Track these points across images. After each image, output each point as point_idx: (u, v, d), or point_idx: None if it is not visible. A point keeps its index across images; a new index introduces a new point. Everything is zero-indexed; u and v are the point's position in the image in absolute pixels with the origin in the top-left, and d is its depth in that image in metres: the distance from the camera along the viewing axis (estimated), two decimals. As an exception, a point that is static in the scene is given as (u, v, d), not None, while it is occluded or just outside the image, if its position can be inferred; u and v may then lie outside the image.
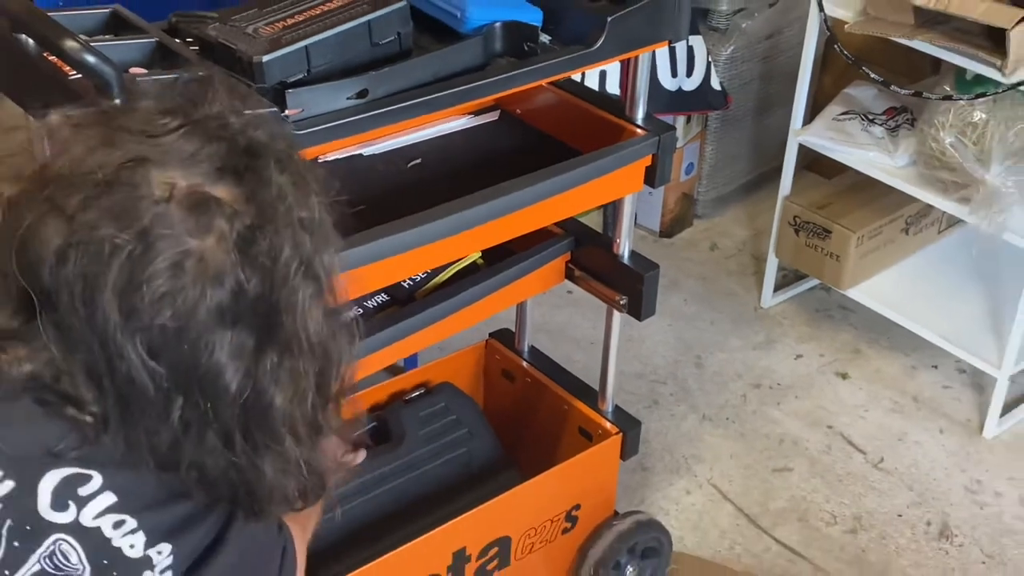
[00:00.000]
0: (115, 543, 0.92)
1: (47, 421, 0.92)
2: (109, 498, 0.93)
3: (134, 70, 1.39)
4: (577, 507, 1.90)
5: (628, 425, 1.92)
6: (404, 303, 1.70)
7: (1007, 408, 2.43)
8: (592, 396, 1.96)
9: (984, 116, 2.24)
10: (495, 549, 1.81)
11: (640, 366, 2.55)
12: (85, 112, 0.96)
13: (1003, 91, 2.16)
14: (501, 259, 1.75)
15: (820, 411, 2.46)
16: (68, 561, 0.91)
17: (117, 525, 0.92)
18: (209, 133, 0.91)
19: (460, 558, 1.77)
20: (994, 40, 2.08)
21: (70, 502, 0.91)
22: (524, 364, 2.07)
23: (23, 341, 0.90)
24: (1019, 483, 2.31)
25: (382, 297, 1.71)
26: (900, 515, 2.23)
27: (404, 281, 1.71)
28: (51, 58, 1.31)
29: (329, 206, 0.98)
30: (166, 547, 0.94)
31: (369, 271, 1.46)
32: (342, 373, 1.01)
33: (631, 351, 2.57)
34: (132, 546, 0.92)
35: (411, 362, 2.33)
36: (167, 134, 0.90)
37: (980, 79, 2.20)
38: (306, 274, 0.92)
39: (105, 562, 0.92)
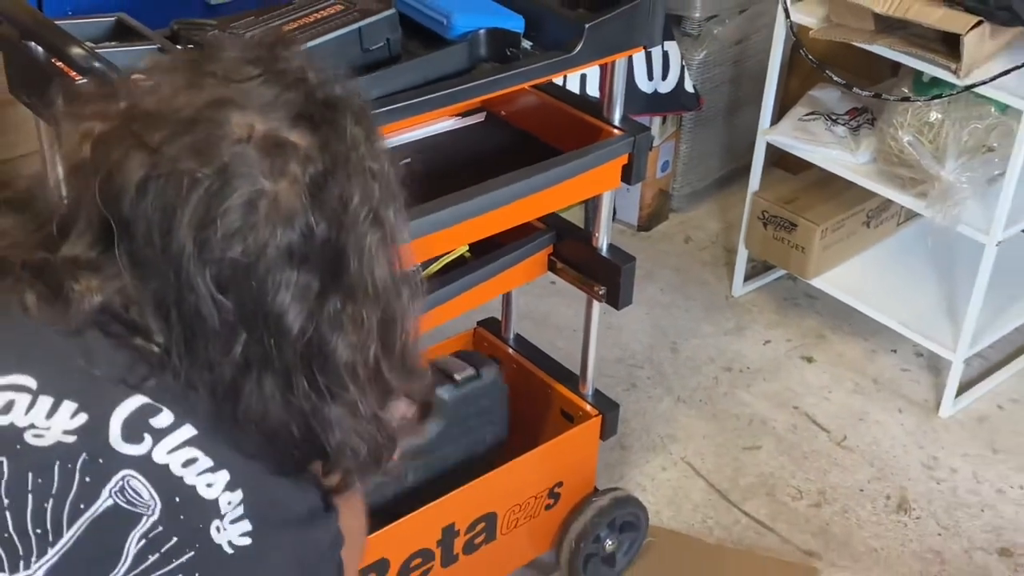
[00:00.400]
0: (188, 481, 0.89)
1: (115, 351, 0.89)
2: (187, 431, 0.90)
3: (135, 76, 1.37)
4: (559, 484, 1.90)
5: (607, 407, 1.92)
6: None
7: (962, 389, 2.43)
8: (573, 380, 1.95)
9: (940, 116, 2.23)
10: (482, 524, 1.81)
11: (619, 351, 2.54)
12: (174, 57, 0.98)
13: (957, 93, 2.15)
14: (487, 252, 1.73)
15: (787, 393, 2.45)
16: (140, 496, 0.88)
17: (189, 463, 0.89)
18: (288, 82, 0.90)
19: (449, 533, 1.76)
20: (949, 45, 2.07)
21: (145, 434, 0.89)
22: (510, 351, 2.06)
23: (97, 271, 0.88)
24: (973, 459, 2.31)
25: (375, 288, 1.69)
26: (861, 490, 2.23)
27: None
28: (59, 64, 1.30)
29: (396, 164, 0.97)
30: (237, 495, 0.90)
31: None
32: (406, 328, 0.97)
33: (610, 338, 2.56)
34: (209, 485, 0.89)
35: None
36: (249, 80, 0.89)
37: (936, 81, 2.19)
38: (374, 223, 0.90)
39: (177, 499, 0.88)
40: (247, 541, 0.89)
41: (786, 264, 2.60)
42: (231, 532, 0.89)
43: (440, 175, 1.62)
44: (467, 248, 1.75)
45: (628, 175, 1.68)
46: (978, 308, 2.28)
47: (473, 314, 2.05)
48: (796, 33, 2.33)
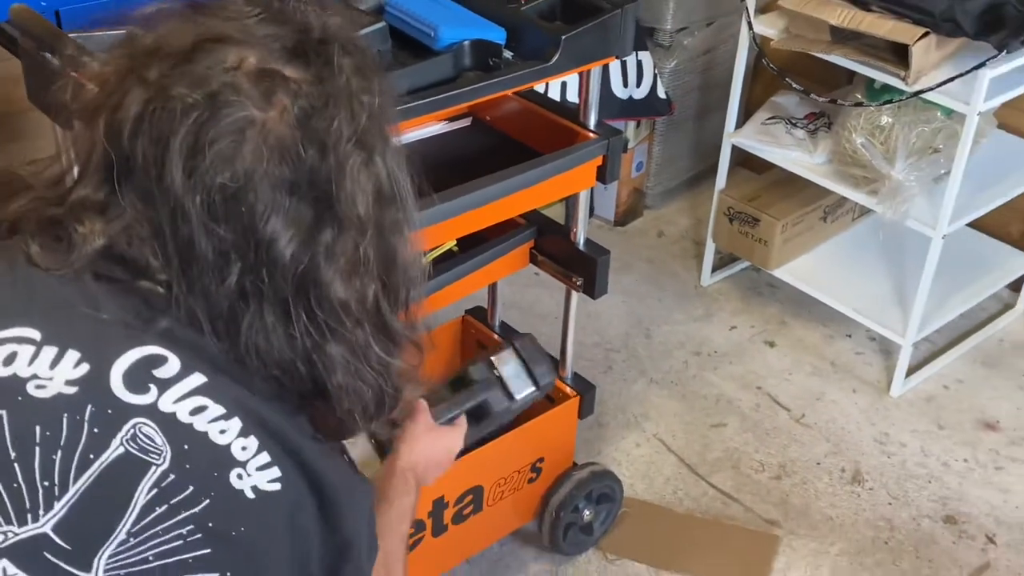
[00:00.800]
0: (198, 428, 0.83)
1: (121, 296, 0.85)
2: (196, 379, 0.84)
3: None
4: (541, 460, 1.90)
5: (585, 389, 1.92)
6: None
7: (911, 371, 2.43)
8: (553, 363, 1.95)
9: (890, 120, 2.24)
10: (470, 497, 1.81)
11: (597, 337, 2.55)
12: (175, 2, 0.93)
13: (906, 98, 2.15)
14: (474, 246, 1.73)
15: (751, 375, 2.46)
16: (152, 442, 0.82)
17: (198, 411, 0.83)
18: (285, 20, 0.87)
19: (439, 505, 1.76)
20: (899, 55, 2.07)
21: (150, 384, 0.83)
22: (496, 337, 2.06)
23: (102, 213, 0.85)
24: (920, 435, 2.32)
25: (370, 280, 1.69)
26: (819, 463, 2.24)
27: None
28: (73, 74, 1.29)
29: (392, 96, 0.91)
30: (252, 442, 0.84)
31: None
32: (408, 272, 0.92)
33: (589, 324, 2.56)
34: (223, 432, 0.83)
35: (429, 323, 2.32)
36: (246, 18, 0.87)
37: (887, 88, 2.19)
38: (365, 156, 0.85)
39: (186, 447, 0.82)
40: (276, 487, 0.84)
41: (750, 256, 2.61)
42: (257, 478, 0.83)
43: (430, 176, 1.62)
44: (455, 243, 1.75)
45: (603, 175, 1.69)
46: (925, 296, 2.29)
47: (462, 303, 2.06)
48: (759, 44, 2.33)
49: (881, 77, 2.13)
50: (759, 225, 2.53)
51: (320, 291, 0.85)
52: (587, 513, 1.97)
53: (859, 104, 2.25)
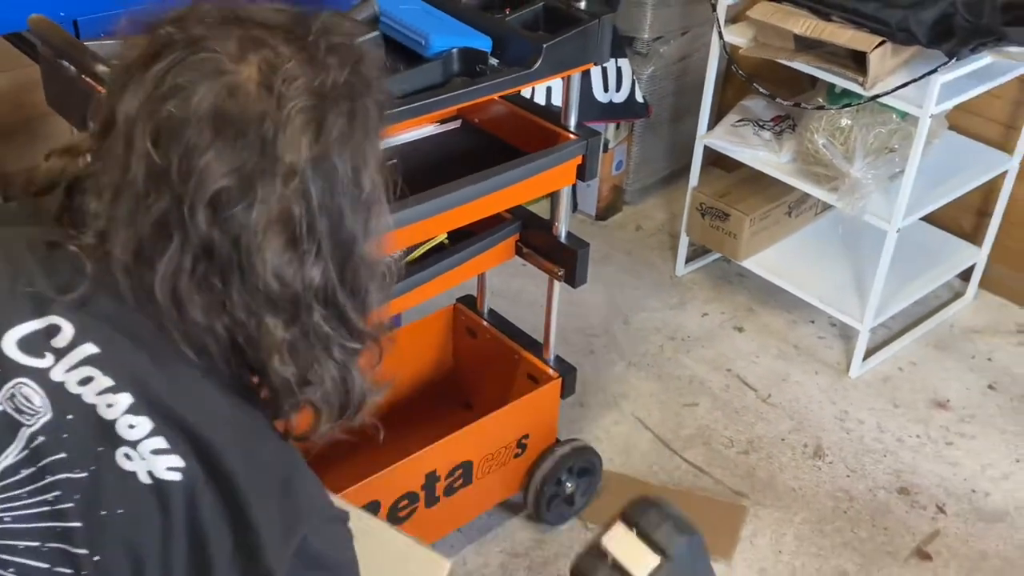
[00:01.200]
0: (87, 400, 0.77)
1: (53, 265, 0.81)
2: (88, 349, 0.78)
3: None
4: (526, 436, 1.90)
5: (566, 371, 1.92)
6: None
7: (868, 354, 2.44)
8: (538, 348, 1.95)
9: (849, 122, 2.24)
10: (460, 471, 1.80)
11: (579, 323, 2.54)
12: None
13: (864, 102, 2.15)
14: (463, 239, 1.73)
15: (721, 357, 2.46)
16: (30, 403, 0.77)
17: (85, 381, 0.77)
18: (295, 15, 0.84)
19: (431, 478, 1.76)
20: (857, 61, 2.07)
21: (46, 352, 0.78)
22: (484, 323, 2.05)
23: (74, 153, 0.85)
24: (877, 413, 2.32)
25: (367, 271, 1.69)
26: (783, 439, 2.24)
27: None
28: (87, 79, 1.28)
29: (382, 97, 0.85)
30: (146, 423, 0.76)
31: (355, 250, 1.44)
32: (372, 268, 0.84)
33: (572, 312, 2.56)
34: (110, 405, 0.77)
35: (395, 321, 2.31)
36: (265, 9, 0.84)
37: (846, 92, 2.19)
38: (315, 118, 0.78)
39: (69, 416, 0.77)
40: (176, 476, 0.76)
41: (720, 248, 2.61)
42: (153, 463, 0.76)
43: (422, 174, 1.61)
44: (445, 236, 1.74)
45: (582, 173, 1.68)
46: (882, 285, 2.29)
47: (453, 292, 2.05)
48: (729, 52, 2.32)
49: (841, 82, 2.13)
50: (729, 219, 2.52)
51: (251, 244, 0.77)
52: (569, 485, 1.97)
53: (821, 107, 2.25)
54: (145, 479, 0.76)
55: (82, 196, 0.82)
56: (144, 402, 0.77)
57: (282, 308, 0.79)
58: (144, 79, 0.78)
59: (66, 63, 1.31)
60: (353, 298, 0.83)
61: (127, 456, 0.76)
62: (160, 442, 0.76)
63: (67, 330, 0.79)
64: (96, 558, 0.75)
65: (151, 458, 0.76)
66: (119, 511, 0.75)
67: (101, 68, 1.19)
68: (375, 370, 0.88)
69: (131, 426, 0.76)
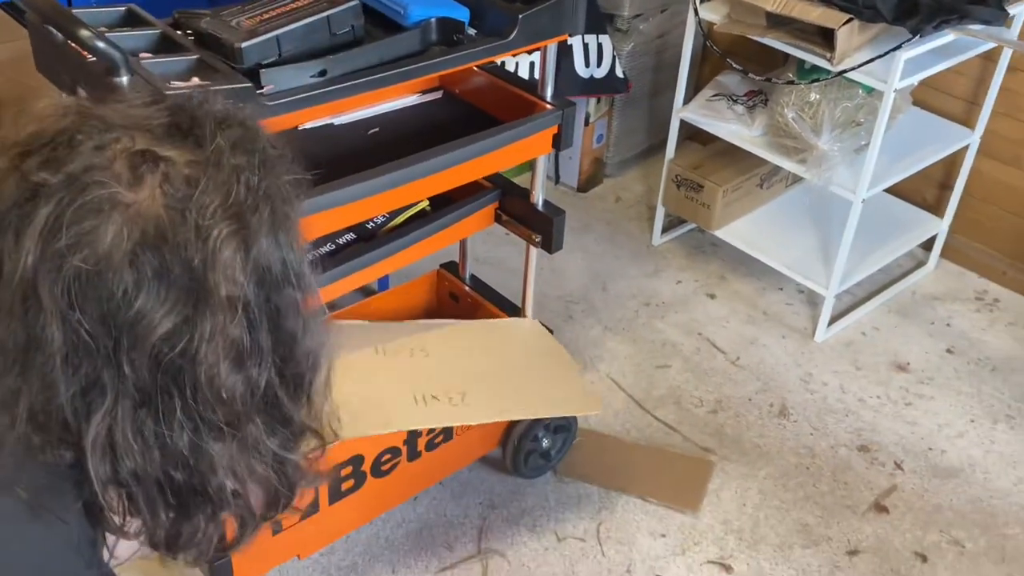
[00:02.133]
0: None
1: None
2: None
3: (143, 55, 1.33)
4: (505, 395, 1.89)
5: (543, 333, 1.91)
6: (369, 240, 1.66)
7: (833, 319, 2.43)
8: (517, 312, 1.94)
9: (817, 97, 2.21)
10: (440, 428, 1.80)
11: (559, 290, 2.53)
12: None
13: (831, 77, 2.12)
14: (444, 206, 1.71)
15: (693, 322, 2.45)
16: None
17: None
18: (164, 101, 0.73)
19: (414, 434, 1.75)
20: (825, 38, 2.04)
21: None
22: (466, 288, 2.04)
23: None
24: (840, 375, 2.32)
25: (351, 235, 1.67)
26: (750, 399, 2.24)
27: (368, 222, 1.67)
28: (72, 45, 1.25)
29: (284, 171, 0.74)
30: None
31: (340, 212, 1.43)
32: (311, 358, 0.75)
33: (553, 279, 2.55)
34: None
35: (383, 285, 2.30)
36: (128, 103, 0.72)
37: (815, 68, 2.16)
38: (245, 237, 0.68)
39: None
40: None
41: (695, 218, 2.59)
42: None
43: (404, 141, 1.60)
44: (427, 203, 1.72)
45: (558, 143, 1.66)
46: (847, 253, 2.28)
47: (437, 258, 2.03)
48: (704, 29, 2.29)
49: (810, 58, 2.10)
50: (703, 191, 2.50)
51: (198, 382, 0.68)
52: (545, 442, 1.97)
53: (791, 82, 2.22)
54: None
55: None
56: None
57: (225, 429, 0.71)
58: (27, 233, 0.65)
59: (53, 30, 1.28)
60: (295, 395, 0.75)
61: None
62: None
63: None
64: None
65: None
66: None
67: (83, 33, 1.16)
68: (316, 461, 0.80)
69: None
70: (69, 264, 0.65)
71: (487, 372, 1.78)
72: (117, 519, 0.74)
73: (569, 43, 2.55)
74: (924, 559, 1.89)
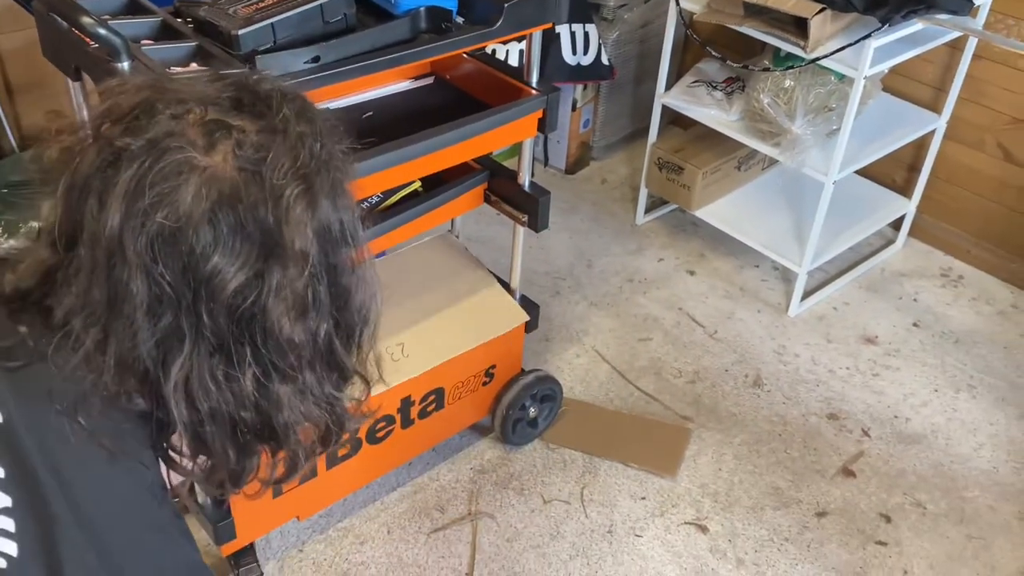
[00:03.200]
0: None
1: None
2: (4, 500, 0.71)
3: (144, 42, 1.32)
4: (493, 367, 1.89)
5: (530, 308, 1.90)
6: (362, 219, 1.65)
7: (806, 294, 2.44)
8: (505, 287, 1.93)
9: (792, 83, 2.20)
10: (433, 396, 1.80)
11: (547, 267, 2.53)
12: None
13: (805, 64, 2.11)
14: (435, 187, 1.70)
15: (674, 297, 2.45)
16: None
17: None
18: (229, 80, 0.76)
19: (407, 403, 1.76)
20: (800, 27, 2.03)
21: None
22: (457, 265, 2.03)
23: (35, 256, 0.73)
24: (812, 347, 2.32)
25: (346, 215, 1.66)
26: (727, 370, 2.24)
27: (362, 202, 1.66)
28: (76, 32, 1.24)
29: (338, 140, 0.77)
30: (4, 499, 0.71)
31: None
32: (363, 311, 0.78)
33: (541, 256, 2.54)
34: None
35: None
36: (197, 83, 0.76)
37: (790, 56, 2.15)
38: (310, 199, 0.72)
39: None
40: (1, 563, 0.71)
41: (676, 199, 2.58)
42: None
43: (396, 125, 1.59)
44: (419, 184, 1.71)
45: (543, 126, 1.65)
46: (819, 232, 2.28)
47: (428, 236, 2.02)
48: (685, 18, 2.28)
49: (785, 46, 2.09)
50: (683, 173, 2.50)
51: (267, 330, 0.72)
52: (532, 410, 1.97)
53: (767, 69, 2.21)
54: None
55: (48, 309, 0.72)
56: (13, 482, 0.71)
57: (289, 373, 0.75)
58: (112, 191, 0.68)
59: (57, 17, 1.26)
60: (347, 344, 0.79)
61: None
62: (8, 524, 0.71)
63: None
64: None
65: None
66: None
67: (85, 20, 1.14)
68: (362, 402, 0.84)
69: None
70: (152, 221, 0.68)
71: (417, 314, 1.75)
72: (185, 460, 0.78)
73: (557, 31, 2.53)
74: (888, 520, 1.91)
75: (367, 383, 0.83)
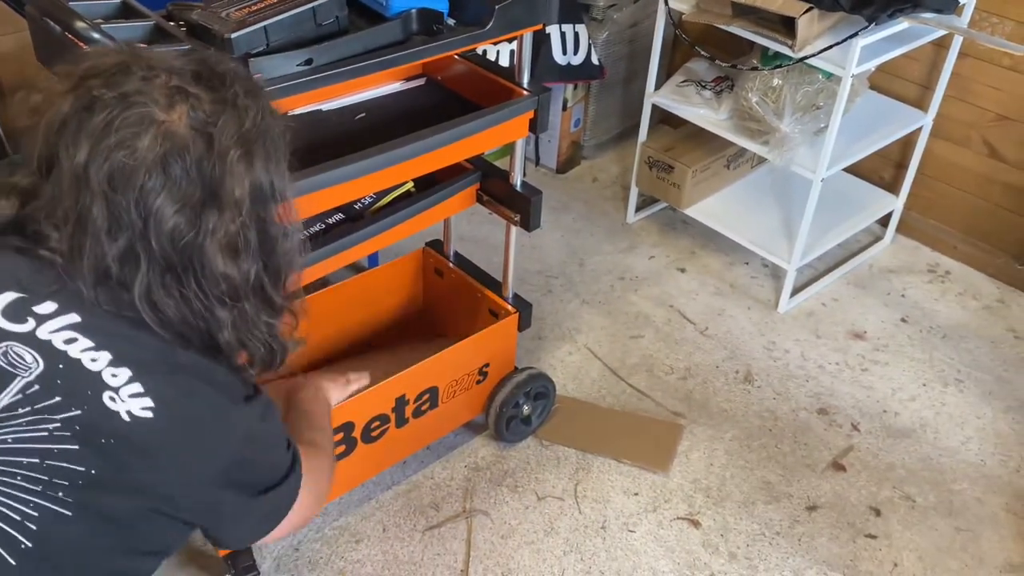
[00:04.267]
0: (72, 354, 0.87)
1: (23, 260, 0.88)
2: (70, 318, 0.88)
3: (137, 46, 1.31)
4: (487, 365, 1.90)
5: (523, 307, 1.91)
6: (357, 220, 1.66)
7: (795, 291, 2.45)
8: (498, 287, 1.95)
9: (780, 82, 2.22)
10: (427, 395, 1.81)
11: (539, 265, 2.54)
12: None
13: (793, 63, 2.13)
14: (428, 187, 1.71)
15: (665, 295, 2.47)
16: (23, 360, 0.87)
17: (70, 341, 0.87)
18: (193, 56, 0.92)
19: (401, 402, 1.76)
20: (787, 26, 2.04)
21: (28, 317, 0.87)
22: (450, 265, 2.04)
23: (21, 194, 0.89)
24: (801, 343, 2.34)
25: (340, 216, 1.67)
26: (718, 367, 2.26)
27: (356, 203, 1.67)
28: (69, 36, 1.24)
29: (284, 127, 0.94)
30: (125, 371, 0.87)
31: (329, 193, 1.42)
32: (288, 257, 0.95)
33: (534, 255, 2.55)
34: (94, 360, 0.87)
35: (373, 262, 2.30)
36: (167, 55, 0.91)
37: (778, 55, 2.16)
38: (248, 159, 0.88)
39: (60, 366, 0.87)
40: (148, 415, 0.87)
41: (666, 198, 2.60)
42: (131, 404, 0.86)
43: (389, 126, 1.59)
44: (412, 184, 1.72)
45: (534, 127, 1.66)
46: (808, 229, 2.29)
47: (422, 236, 2.03)
48: (674, 18, 2.29)
49: (773, 46, 2.10)
50: (673, 171, 2.51)
51: (205, 263, 0.88)
52: (526, 408, 1.98)
53: (755, 68, 2.22)
54: (126, 417, 0.86)
55: (35, 225, 0.88)
56: (123, 358, 0.87)
57: (227, 301, 0.91)
58: (84, 130, 0.84)
59: (51, 22, 1.26)
60: (275, 283, 0.96)
61: (111, 399, 0.86)
62: (137, 387, 0.87)
63: (49, 303, 0.88)
64: (93, 471, 0.86)
65: (129, 400, 0.86)
66: (110, 441, 0.86)
67: (79, 24, 1.15)
68: (294, 329, 1.02)
69: (114, 375, 0.87)
70: (114, 158, 0.83)
71: None
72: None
73: (547, 32, 2.54)
74: (878, 513, 1.93)
75: (295, 316, 1.02)
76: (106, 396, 0.86)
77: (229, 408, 0.93)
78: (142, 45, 1.18)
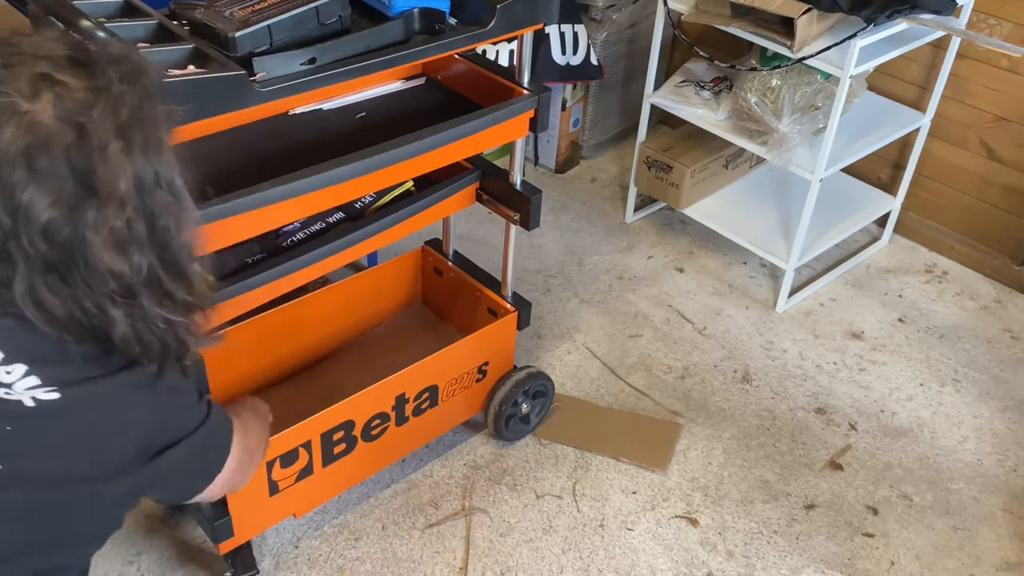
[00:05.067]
0: None
1: None
2: None
3: (140, 45, 1.33)
4: (486, 363, 1.91)
5: (522, 305, 1.92)
6: (357, 219, 1.67)
7: (793, 291, 2.47)
8: (497, 285, 1.96)
9: (779, 83, 2.23)
10: (427, 394, 1.82)
11: (539, 264, 2.55)
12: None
13: (791, 64, 2.14)
14: (428, 187, 1.72)
15: (663, 295, 2.48)
16: None
17: None
18: (72, 43, 0.87)
19: (401, 400, 1.77)
20: (786, 27, 2.06)
21: None
22: (449, 264, 2.05)
23: None
24: (799, 343, 2.35)
25: (340, 215, 1.68)
26: (716, 366, 2.27)
27: (356, 202, 1.68)
28: (74, 35, 1.25)
29: (162, 105, 0.88)
30: (20, 367, 0.86)
31: (331, 192, 1.43)
32: (188, 250, 0.91)
33: (532, 255, 2.56)
34: None
35: (372, 261, 2.31)
36: (41, 40, 0.86)
37: (776, 56, 2.18)
38: (126, 148, 0.83)
39: None
40: (55, 395, 0.87)
41: (665, 198, 2.61)
42: (33, 393, 0.86)
43: (389, 125, 1.60)
44: (412, 184, 1.73)
45: (534, 126, 1.67)
46: (806, 230, 2.31)
47: (422, 235, 2.04)
48: (673, 18, 2.30)
49: (772, 46, 2.12)
50: (672, 171, 2.52)
51: (89, 259, 0.83)
52: (525, 406, 1.99)
53: (754, 69, 2.24)
54: (29, 403, 0.87)
55: None
56: (13, 356, 0.86)
57: (118, 299, 0.87)
58: None
59: (54, 20, 1.27)
60: (175, 277, 0.91)
61: (7, 394, 0.87)
62: (34, 380, 0.87)
63: None
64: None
65: (26, 393, 0.87)
66: (7, 429, 0.87)
67: (84, 23, 1.16)
68: (205, 326, 0.98)
69: (7, 372, 0.86)
70: None
71: None
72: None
73: (546, 32, 2.55)
74: (875, 512, 1.94)
75: (202, 310, 0.97)
76: (1, 391, 0.86)
77: (130, 395, 0.93)
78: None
